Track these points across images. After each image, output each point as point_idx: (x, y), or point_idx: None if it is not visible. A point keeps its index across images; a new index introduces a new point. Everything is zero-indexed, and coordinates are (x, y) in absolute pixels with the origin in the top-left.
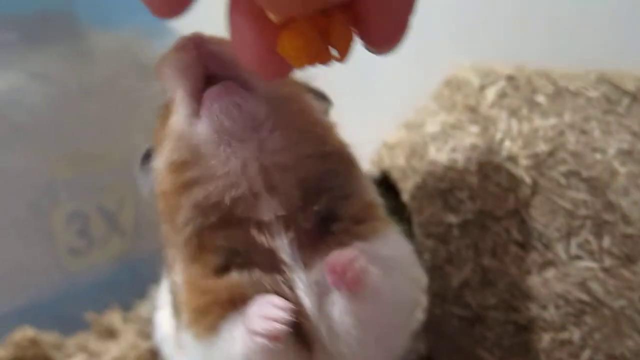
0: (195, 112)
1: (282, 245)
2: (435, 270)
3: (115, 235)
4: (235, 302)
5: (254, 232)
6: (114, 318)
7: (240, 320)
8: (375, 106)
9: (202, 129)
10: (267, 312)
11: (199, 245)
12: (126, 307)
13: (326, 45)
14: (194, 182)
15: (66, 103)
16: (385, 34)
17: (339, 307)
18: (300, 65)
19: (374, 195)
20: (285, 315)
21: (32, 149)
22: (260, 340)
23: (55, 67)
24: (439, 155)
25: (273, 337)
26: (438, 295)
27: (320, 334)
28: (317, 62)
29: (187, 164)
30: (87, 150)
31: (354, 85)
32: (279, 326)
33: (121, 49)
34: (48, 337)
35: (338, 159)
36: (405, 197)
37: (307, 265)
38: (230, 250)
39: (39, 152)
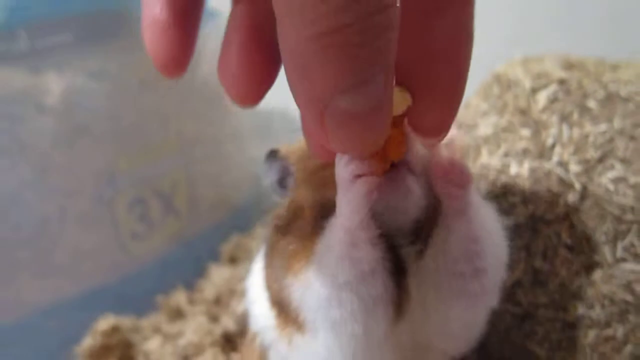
0: None
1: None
2: None
3: (171, 217)
4: None
5: None
6: (180, 299)
7: None
8: None
9: None
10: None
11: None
12: (188, 284)
13: (386, 157)
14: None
15: (123, 98)
16: (438, 128)
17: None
18: None
19: None
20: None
21: (93, 145)
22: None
23: (111, 64)
24: (492, 159)
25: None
26: None
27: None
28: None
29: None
30: (144, 141)
31: None
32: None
33: None
34: (126, 322)
35: None
36: None
37: None
38: None
39: (100, 147)
